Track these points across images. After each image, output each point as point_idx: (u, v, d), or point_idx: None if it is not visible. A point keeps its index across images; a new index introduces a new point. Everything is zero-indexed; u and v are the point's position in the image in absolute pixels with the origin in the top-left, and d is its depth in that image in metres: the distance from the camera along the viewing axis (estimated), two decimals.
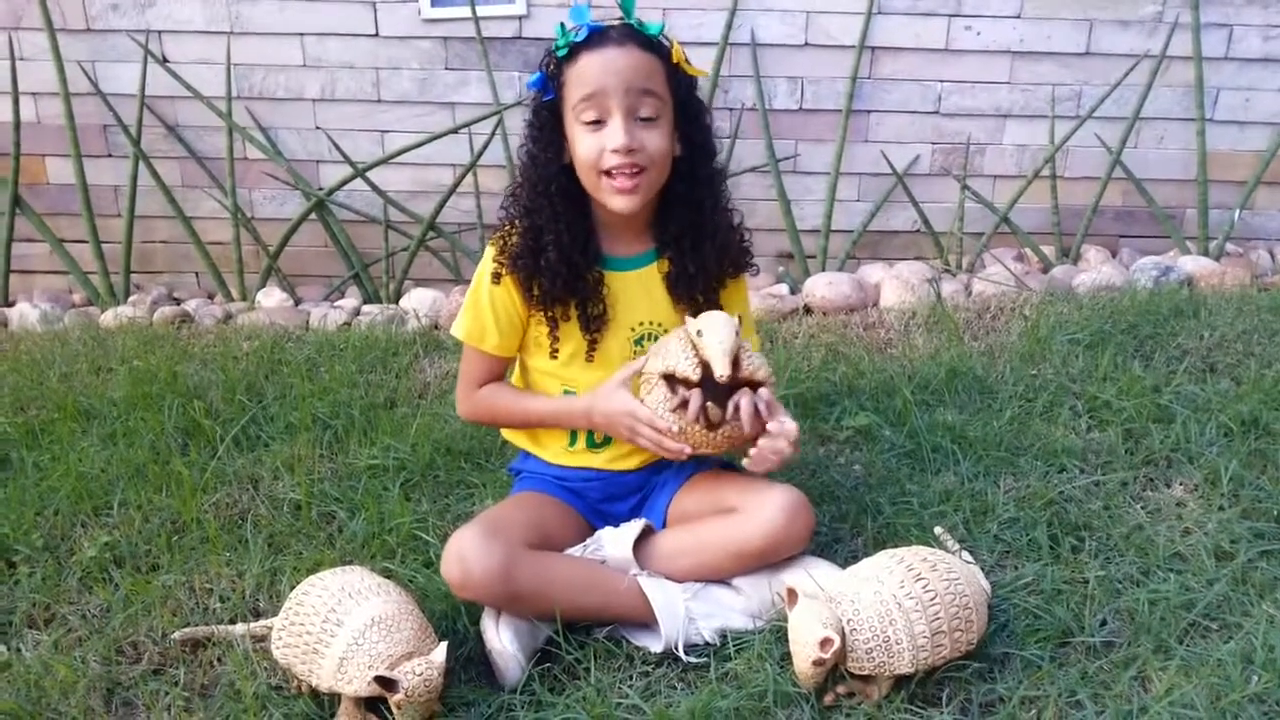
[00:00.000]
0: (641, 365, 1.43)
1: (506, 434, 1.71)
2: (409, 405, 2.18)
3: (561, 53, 1.40)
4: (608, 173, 1.40)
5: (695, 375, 1.36)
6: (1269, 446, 1.83)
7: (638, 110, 1.39)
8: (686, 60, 1.45)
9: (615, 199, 1.42)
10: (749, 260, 1.58)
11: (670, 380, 1.39)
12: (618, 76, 1.37)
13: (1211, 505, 1.69)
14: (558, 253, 1.44)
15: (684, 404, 1.37)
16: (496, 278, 1.50)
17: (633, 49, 1.38)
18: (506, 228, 1.50)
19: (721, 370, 1.33)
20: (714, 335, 1.35)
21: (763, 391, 1.40)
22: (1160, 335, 2.34)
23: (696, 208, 1.49)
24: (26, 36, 2.86)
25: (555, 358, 1.53)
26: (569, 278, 1.46)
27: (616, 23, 1.41)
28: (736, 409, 1.38)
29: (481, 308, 1.52)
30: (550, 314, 1.49)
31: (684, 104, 1.45)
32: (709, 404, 1.38)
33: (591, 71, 1.38)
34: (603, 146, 1.39)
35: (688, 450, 1.40)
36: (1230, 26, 2.91)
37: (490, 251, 1.51)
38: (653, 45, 1.41)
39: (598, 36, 1.39)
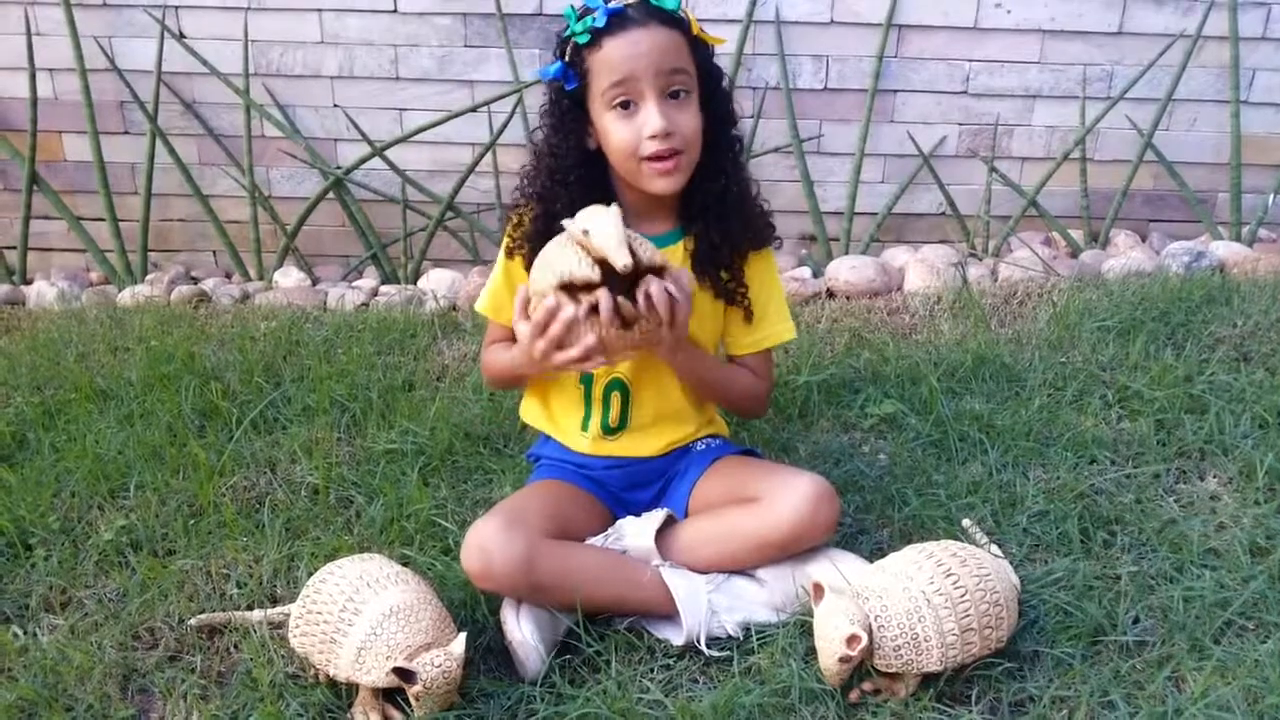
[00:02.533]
0: (526, 293, 1.34)
1: (525, 417, 1.68)
2: (427, 388, 2.16)
3: (583, 39, 1.36)
4: (646, 157, 1.37)
5: (596, 275, 1.25)
6: None
7: (669, 90, 1.36)
8: (702, 29, 1.41)
9: (657, 182, 1.39)
10: (771, 231, 1.54)
11: (569, 290, 1.28)
12: (646, 59, 1.33)
13: (1247, 499, 1.65)
14: None
15: (593, 309, 1.26)
16: (510, 254, 1.50)
17: (656, 27, 1.34)
18: (523, 205, 1.48)
19: (623, 260, 1.21)
20: (603, 227, 1.25)
21: (680, 273, 1.33)
22: (1192, 323, 2.29)
23: (720, 177, 1.46)
24: (43, 11, 2.84)
25: None
26: None
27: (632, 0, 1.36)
28: (648, 298, 1.28)
29: (498, 284, 1.53)
30: None
31: (706, 74, 1.42)
32: (620, 299, 1.27)
33: (619, 57, 1.34)
34: (639, 133, 1.35)
35: (601, 362, 1.32)
36: (1269, 5, 2.83)
37: (508, 229, 1.51)
38: (673, 20, 1.37)
39: (618, 19, 1.34)
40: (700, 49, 1.40)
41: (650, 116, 1.35)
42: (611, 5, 1.35)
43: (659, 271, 1.30)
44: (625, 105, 1.36)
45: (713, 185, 1.45)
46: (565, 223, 1.30)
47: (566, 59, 1.39)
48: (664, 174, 1.38)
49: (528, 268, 1.46)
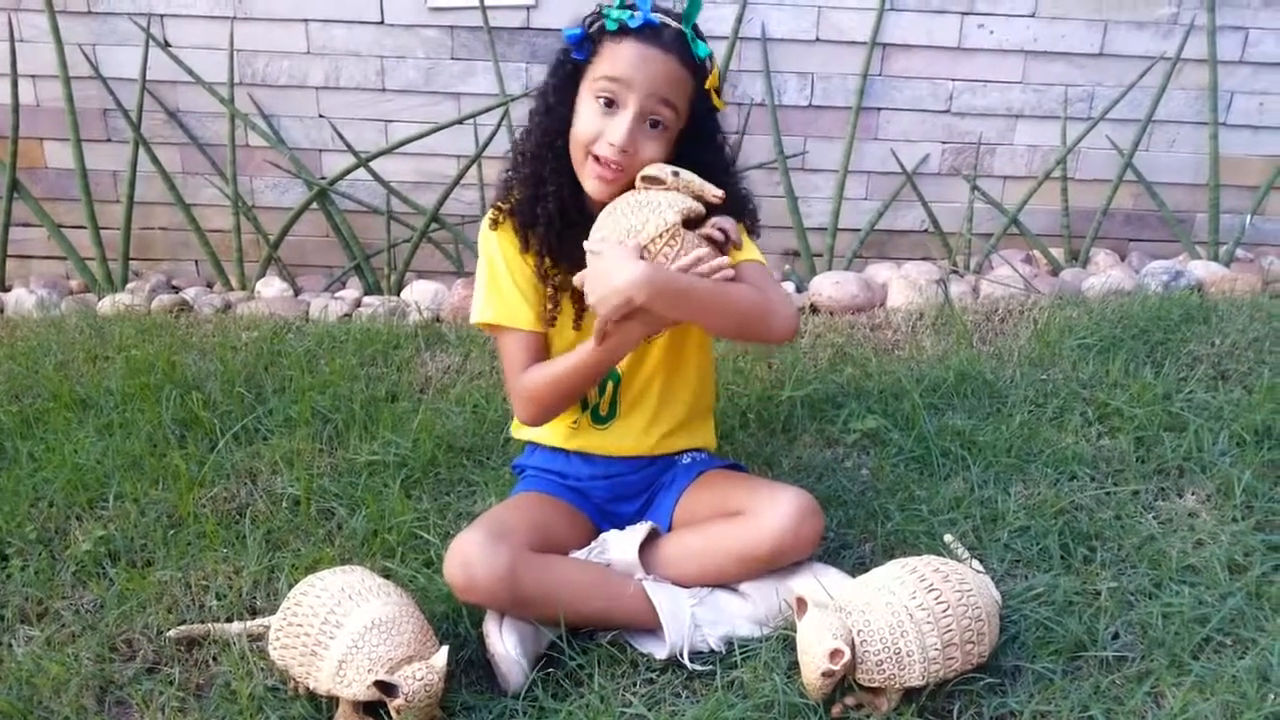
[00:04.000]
0: (642, 238, 1.32)
1: (514, 429, 1.68)
2: (410, 399, 2.15)
3: (611, 25, 1.38)
4: (595, 155, 1.39)
5: (702, 208, 1.37)
6: None
7: (650, 114, 1.37)
8: (719, 91, 1.43)
9: (590, 181, 1.41)
10: (751, 222, 1.54)
11: (687, 226, 1.36)
12: (647, 76, 1.35)
13: (1224, 517, 1.67)
14: (557, 204, 1.44)
15: (716, 240, 1.37)
16: (494, 224, 1.49)
17: (673, 58, 1.36)
18: (513, 181, 1.49)
19: (718, 191, 1.36)
20: (685, 171, 1.37)
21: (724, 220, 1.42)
22: (1171, 341, 2.31)
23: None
24: (26, 18, 2.82)
25: (553, 324, 1.50)
26: (563, 229, 1.44)
27: (673, 24, 1.38)
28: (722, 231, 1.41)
29: (501, 284, 1.49)
30: (545, 273, 1.48)
31: (700, 124, 1.44)
32: (718, 222, 1.39)
33: (626, 58, 1.36)
34: (601, 131, 1.37)
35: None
36: (1246, 30, 2.87)
37: (486, 222, 1.50)
38: (692, 62, 1.39)
39: (650, 30, 1.36)
40: (704, 100, 1.42)
41: (619, 126, 1.37)
42: (654, 17, 1.37)
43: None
44: (609, 103, 1.38)
45: None
46: (649, 171, 1.36)
47: (589, 30, 1.40)
48: (600, 179, 1.40)
49: (519, 236, 1.47)
